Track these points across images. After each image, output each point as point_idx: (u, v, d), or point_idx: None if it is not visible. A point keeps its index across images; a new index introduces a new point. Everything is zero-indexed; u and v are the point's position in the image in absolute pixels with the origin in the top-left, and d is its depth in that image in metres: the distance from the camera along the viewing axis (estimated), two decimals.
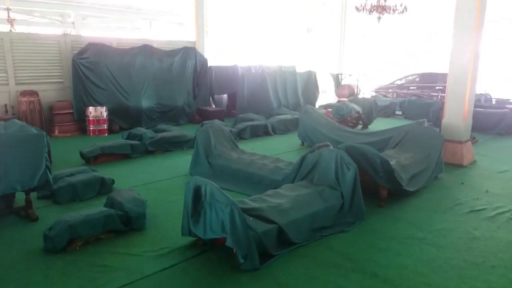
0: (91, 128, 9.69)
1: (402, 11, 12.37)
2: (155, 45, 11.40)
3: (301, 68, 14.98)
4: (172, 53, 11.58)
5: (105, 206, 4.56)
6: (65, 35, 10.57)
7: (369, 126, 11.16)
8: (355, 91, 17.32)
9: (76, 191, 5.22)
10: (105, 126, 9.83)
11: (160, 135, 8.13)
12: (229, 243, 3.39)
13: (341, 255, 3.85)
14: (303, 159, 5.13)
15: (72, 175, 5.52)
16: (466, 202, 5.37)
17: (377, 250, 3.98)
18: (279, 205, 4.08)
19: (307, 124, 8.74)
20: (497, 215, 4.94)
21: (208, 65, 12.66)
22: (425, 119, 7.70)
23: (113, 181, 5.71)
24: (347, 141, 8.03)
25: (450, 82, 7.37)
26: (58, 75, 10.09)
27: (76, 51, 9.93)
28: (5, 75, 9.25)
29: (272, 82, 13.12)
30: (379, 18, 12.55)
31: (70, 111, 9.85)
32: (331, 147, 5.48)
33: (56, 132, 9.64)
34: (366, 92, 18.43)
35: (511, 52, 20.60)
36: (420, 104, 13.17)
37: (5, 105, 9.24)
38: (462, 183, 6.22)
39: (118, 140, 7.89)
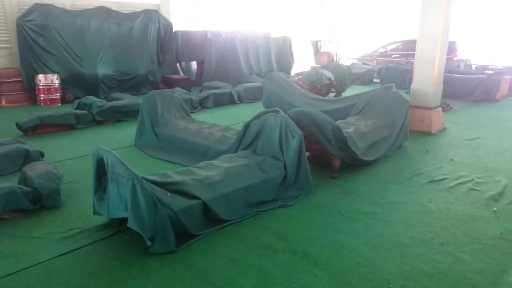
0: (41, 98, 9.00)
1: None
2: (114, 7, 10.54)
3: (276, 34, 14.23)
4: (132, 16, 10.75)
5: (18, 181, 4.03)
6: None
7: (343, 94, 10.63)
8: (335, 59, 16.71)
9: None
10: (58, 96, 9.14)
11: (109, 104, 7.50)
12: (130, 224, 2.89)
13: (274, 234, 3.40)
14: (247, 126, 4.60)
15: None
16: (426, 172, 4.95)
17: (317, 227, 3.54)
18: (206, 178, 3.58)
19: (271, 91, 8.17)
20: (457, 185, 4.53)
21: (174, 30, 11.86)
22: (392, 84, 7.18)
23: (41, 154, 5.14)
24: (313, 108, 7.58)
25: (420, 45, 6.83)
26: (4, 40, 9.26)
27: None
28: None
29: (243, 48, 12.41)
30: None
31: (19, 79, 9.11)
32: (282, 113, 4.96)
33: (4, 102, 8.95)
34: (346, 59, 17.79)
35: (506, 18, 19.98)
36: (398, 71, 12.66)
37: None
38: (427, 152, 5.80)
39: (60, 109, 7.25)
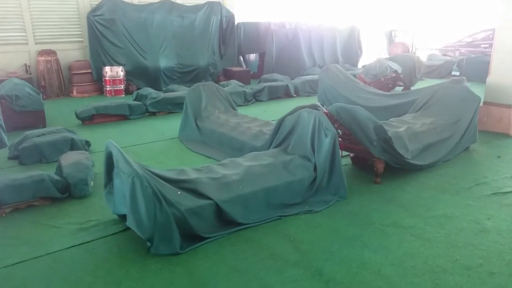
0: (107, 89, 9.49)
1: None
2: (178, 0, 10.73)
3: (344, 24, 13.45)
4: (195, 8, 10.85)
5: (56, 169, 4.18)
6: None
7: (413, 89, 9.70)
8: (410, 50, 15.45)
9: (42, 152, 4.91)
10: (122, 87, 9.56)
11: (162, 95, 7.62)
12: (129, 222, 2.77)
13: (291, 243, 3.07)
14: (281, 122, 4.28)
15: (43, 135, 5.21)
16: (492, 182, 4.20)
17: (341, 239, 3.13)
18: (223, 177, 3.35)
19: (327, 84, 7.67)
20: None
21: (237, 22, 11.78)
22: (463, 78, 6.31)
23: (86, 143, 5.32)
24: (369, 103, 6.98)
25: (500, 33, 5.86)
26: (78, 34, 9.92)
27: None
28: (24, 34, 9.24)
29: (306, 39, 11.95)
30: None
31: (89, 71, 9.71)
32: (323, 108, 4.55)
33: (75, 93, 9.59)
34: (424, 50, 16.29)
35: None
36: (480, 63, 11.21)
37: (25, 65, 9.29)
38: (499, 157, 4.96)
39: (116, 100, 7.53)
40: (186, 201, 3.03)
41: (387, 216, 3.50)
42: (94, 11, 9.46)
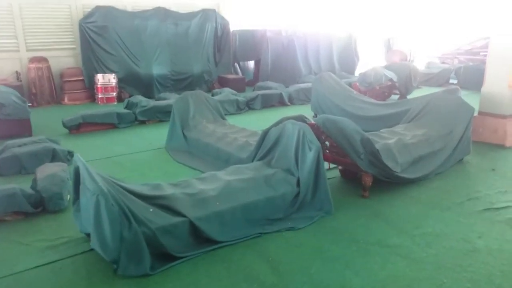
0: (99, 96, 9.36)
1: None
2: (174, 8, 10.64)
3: (341, 31, 13.34)
4: (189, 16, 10.76)
5: (32, 182, 4.03)
6: None
7: (409, 97, 9.55)
8: (408, 57, 15.33)
9: (22, 163, 4.77)
10: (114, 94, 9.44)
11: (152, 103, 7.49)
12: (93, 243, 2.61)
13: (269, 264, 2.91)
14: (265, 134, 4.14)
15: (24, 145, 5.07)
16: (485, 197, 4.04)
17: (322, 259, 2.97)
18: (200, 193, 3.20)
19: (320, 92, 7.53)
20: None
21: (232, 29, 11.69)
22: (457, 87, 6.18)
23: (69, 153, 5.18)
24: (361, 113, 6.84)
25: (494, 40, 5.73)
26: (70, 41, 9.82)
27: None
28: (15, 41, 9.14)
29: (301, 47, 11.83)
30: None
31: (81, 78, 9.60)
32: (310, 119, 4.41)
33: (66, 100, 9.47)
34: (422, 58, 16.18)
35: None
36: (479, 71, 11.00)
37: (16, 72, 9.17)
38: (493, 170, 4.80)
39: (106, 108, 7.40)
40: (158, 219, 2.88)
41: (373, 233, 3.34)
42: (86, 18, 9.37)
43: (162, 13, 10.28)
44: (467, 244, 3.16)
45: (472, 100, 6.26)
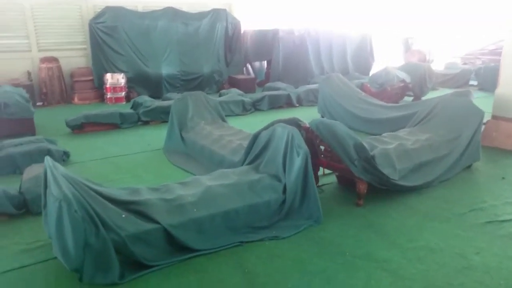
0: (108, 96, 9.39)
1: None
2: (185, 8, 10.59)
3: (354, 31, 13.01)
4: (199, 16, 10.68)
5: (20, 183, 4.00)
6: None
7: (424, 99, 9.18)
8: (426, 57, 14.85)
9: (16, 163, 4.76)
10: (123, 94, 9.45)
11: (155, 104, 7.43)
12: (54, 251, 2.51)
13: (244, 276, 2.75)
14: (256, 137, 3.97)
15: (20, 145, 5.07)
16: (490, 208, 3.75)
17: (303, 272, 2.79)
18: (177, 199, 3.07)
19: (327, 94, 7.31)
20: None
21: (244, 29, 11.56)
22: (469, 90, 5.85)
23: (64, 154, 5.16)
24: (368, 115, 6.60)
25: (509, 41, 5.39)
26: (81, 41, 9.90)
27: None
28: (27, 41, 9.28)
29: (314, 46, 11.59)
30: None
31: (90, 78, 9.66)
32: (305, 122, 4.22)
33: (76, 99, 9.55)
34: (442, 58, 15.63)
35: None
36: None
37: (28, 72, 9.32)
38: (503, 178, 4.48)
39: (109, 108, 7.39)
40: (129, 226, 2.76)
41: (362, 245, 3.13)
42: (96, 18, 9.42)
43: (171, 13, 10.24)
44: (462, 260, 2.91)
45: (490, 102, 5.91)
